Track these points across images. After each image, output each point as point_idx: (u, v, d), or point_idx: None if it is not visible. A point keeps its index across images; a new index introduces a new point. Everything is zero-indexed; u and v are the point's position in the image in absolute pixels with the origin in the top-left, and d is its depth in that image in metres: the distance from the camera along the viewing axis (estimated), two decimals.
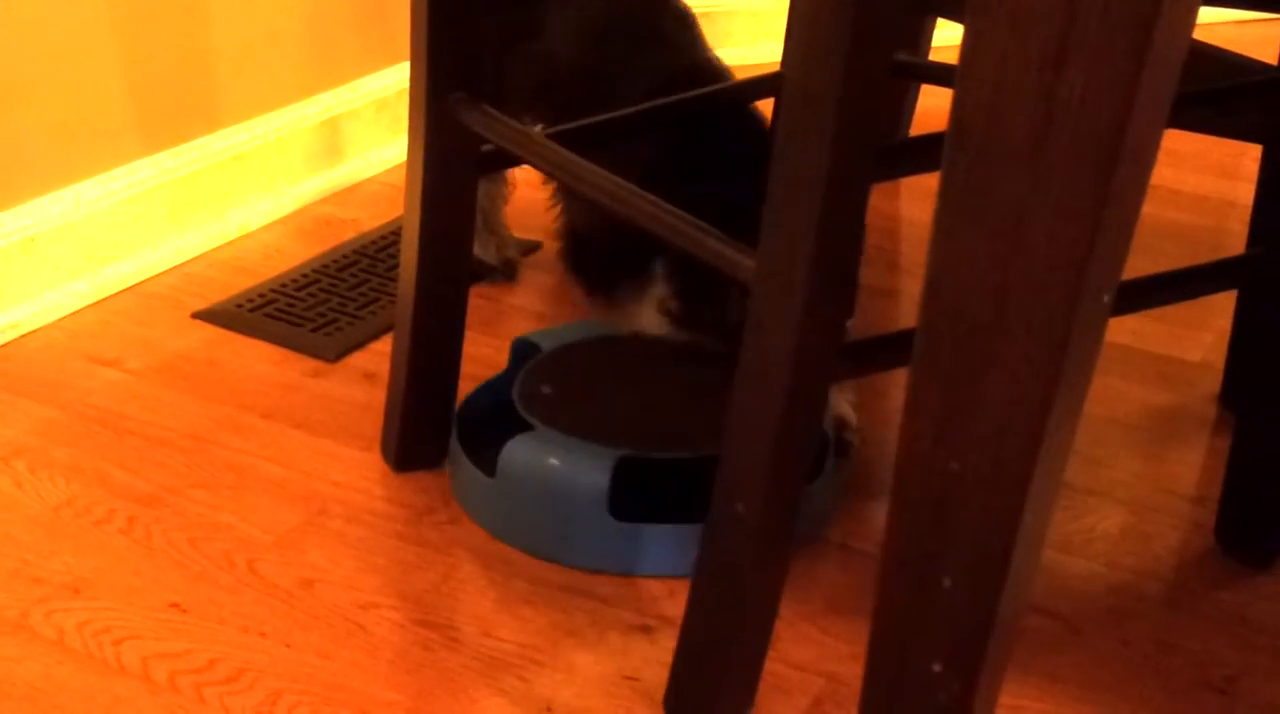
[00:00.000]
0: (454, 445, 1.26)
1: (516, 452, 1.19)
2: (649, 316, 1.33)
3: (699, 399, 1.25)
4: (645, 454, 1.18)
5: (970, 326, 0.70)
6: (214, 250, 1.69)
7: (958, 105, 0.68)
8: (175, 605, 1.13)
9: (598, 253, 1.39)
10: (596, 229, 1.37)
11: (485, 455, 1.23)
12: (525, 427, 1.22)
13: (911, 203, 1.89)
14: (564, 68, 1.43)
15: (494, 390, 1.31)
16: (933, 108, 1.77)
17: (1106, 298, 0.71)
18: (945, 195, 0.69)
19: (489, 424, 1.26)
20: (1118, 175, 0.65)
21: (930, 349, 0.72)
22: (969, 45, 0.66)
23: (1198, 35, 1.28)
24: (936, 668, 0.78)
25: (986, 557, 0.75)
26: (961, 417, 0.72)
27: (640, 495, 1.18)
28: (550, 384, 1.27)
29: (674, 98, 1.31)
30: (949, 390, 0.72)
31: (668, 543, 1.17)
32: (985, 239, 0.68)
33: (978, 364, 0.71)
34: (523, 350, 1.33)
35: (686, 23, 1.43)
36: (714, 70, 1.40)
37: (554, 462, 1.18)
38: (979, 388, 0.71)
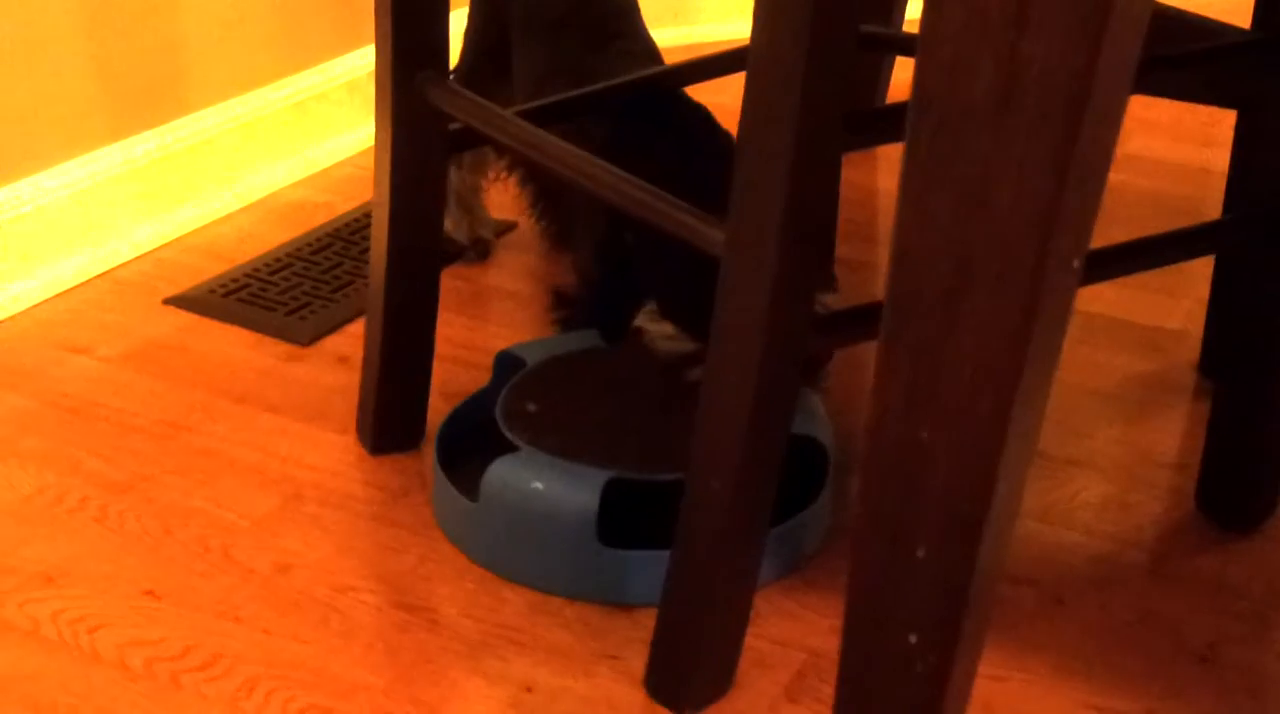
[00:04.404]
0: (435, 468, 1.21)
1: (499, 475, 1.14)
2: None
3: (693, 416, 1.20)
4: (635, 476, 1.13)
5: (937, 293, 0.69)
6: (186, 236, 1.68)
7: (920, 67, 0.67)
8: (150, 592, 1.13)
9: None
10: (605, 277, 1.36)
11: (469, 477, 1.17)
12: (509, 447, 1.16)
13: (888, 175, 1.88)
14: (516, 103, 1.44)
15: (477, 406, 1.26)
16: (908, 80, 1.76)
17: (1076, 263, 0.71)
18: (909, 160, 0.68)
19: (473, 444, 1.22)
20: (1083, 136, 0.65)
21: (897, 317, 0.71)
22: (930, 5, 0.65)
23: (1171, 1, 1.28)
24: (913, 639, 0.78)
25: (960, 526, 0.74)
26: (930, 385, 0.71)
27: (632, 519, 1.13)
28: (535, 401, 1.22)
29: (637, 75, 1.30)
30: (917, 358, 0.71)
31: (662, 569, 1.09)
32: (950, 204, 0.67)
33: (945, 331, 0.70)
34: (506, 364, 1.28)
35: (638, 60, 1.43)
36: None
37: (538, 485, 1.12)
38: (947, 355, 0.70)
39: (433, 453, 1.22)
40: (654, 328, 1.28)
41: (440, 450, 1.22)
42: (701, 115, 1.32)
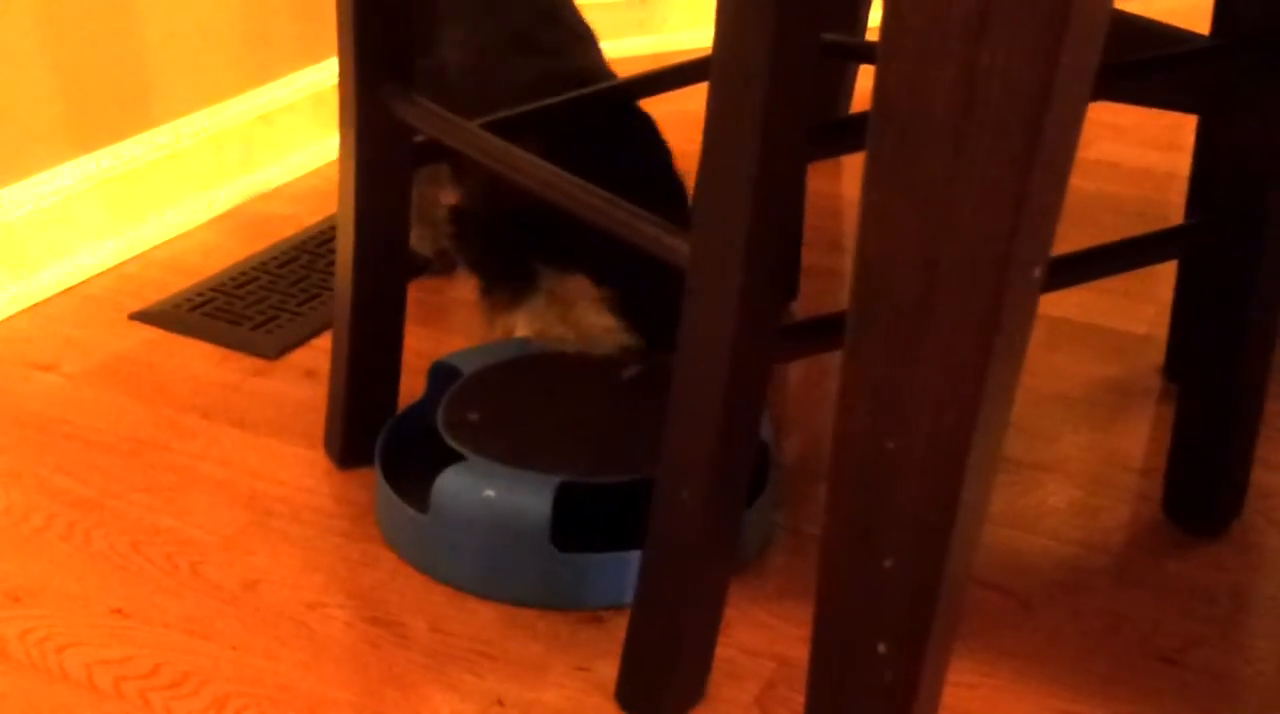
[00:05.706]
0: (379, 481, 1.20)
1: (449, 485, 1.13)
2: (575, 313, 1.31)
3: (638, 417, 1.19)
4: (586, 479, 1.13)
5: (900, 303, 0.70)
6: (151, 250, 1.68)
7: (880, 78, 0.67)
8: (118, 611, 1.12)
9: (499, 233, 1.35)
10: (498, 206, 1.34)
11: (413, 490, 1.17)
12: (454, 457, 1.16)
13: (853, 183, 1.89)
14: (451, 77, 1.43)
15: (413, 419, 1.26)
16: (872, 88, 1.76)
17: (1037, 272, 0.71)
18: (871, 171, 0.69)
19: (413, 456, 1.22)
20: (1042, 146, 0.65)
21: (862, 327, 0.72)
22: (890, 16, 0.66)
23: (1132, 8, 1.29)
24: (881, 649, 0.78)
25: (926, 535, 0.74)
26: (895, 395, 0.71)
27: (584, 523, 1.14)
28: (477, 410, 1.22)
29: (599, 86, 1.30)
30: (882, 368, 0.71)
31: (617, 571, 1.12)
32: (912, 214, 0.68)
33: (909, 341, 0.70)
34: (441, 374, 1.28)
35: (578, 34, 1.44)
36: (596, 75, 1.40)
37: (490, 493, 1.12)
38: (911, 365, 0.70)
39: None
40: (597, 320, 1.28)
41: (382, 465, 1.21)
42: (645, 126, 1.33)
